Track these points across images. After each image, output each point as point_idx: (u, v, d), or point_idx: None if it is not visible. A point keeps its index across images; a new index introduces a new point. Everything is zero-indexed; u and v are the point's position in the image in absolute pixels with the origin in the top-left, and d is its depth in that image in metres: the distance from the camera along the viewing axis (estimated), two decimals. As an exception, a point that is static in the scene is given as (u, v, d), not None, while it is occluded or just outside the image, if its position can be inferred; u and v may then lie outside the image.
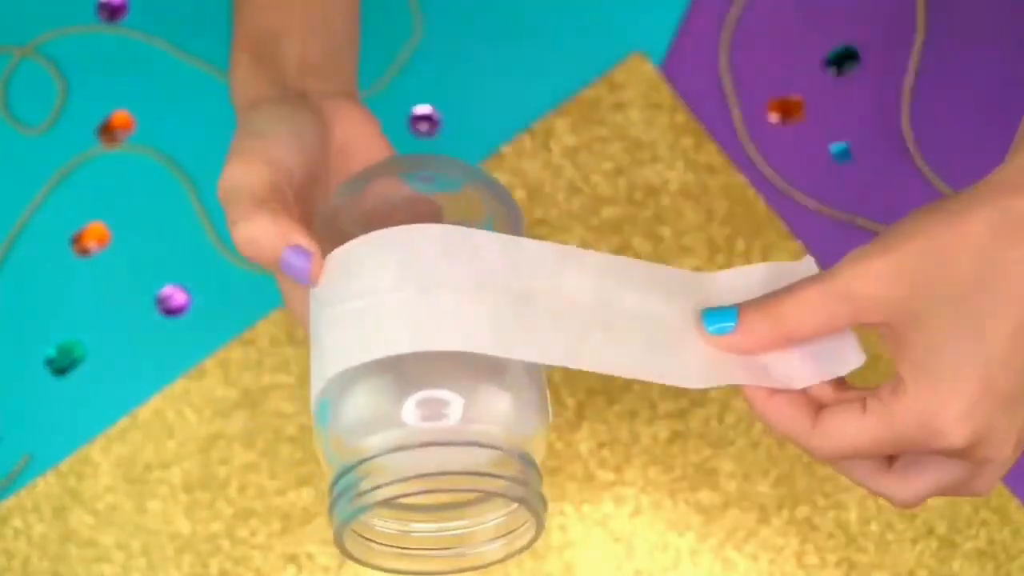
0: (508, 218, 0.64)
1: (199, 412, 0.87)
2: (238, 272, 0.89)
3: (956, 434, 0.59)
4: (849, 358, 0.62)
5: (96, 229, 0.90)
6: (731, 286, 0.65)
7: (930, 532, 0.84)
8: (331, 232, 0.63)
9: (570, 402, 0.86)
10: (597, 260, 0.63)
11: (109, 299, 0.89)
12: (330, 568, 0.85)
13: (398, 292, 0.60)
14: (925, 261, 0.58)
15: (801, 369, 0.62)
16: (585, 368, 0.61)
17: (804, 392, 0.62)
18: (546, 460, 0.86)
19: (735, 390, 0.86)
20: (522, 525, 0.63)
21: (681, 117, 0.90)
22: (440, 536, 0.64)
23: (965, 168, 0.89)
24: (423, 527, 0.63)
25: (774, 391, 0.62)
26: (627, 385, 0.86)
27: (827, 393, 0.62)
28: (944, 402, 0.58)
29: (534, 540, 0.62)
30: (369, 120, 0.69)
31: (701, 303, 0.64)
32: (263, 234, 0.61)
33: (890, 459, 0.64)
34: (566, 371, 0.86)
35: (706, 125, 0.90)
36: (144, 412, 0.87)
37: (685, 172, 0.89)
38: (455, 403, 0.59)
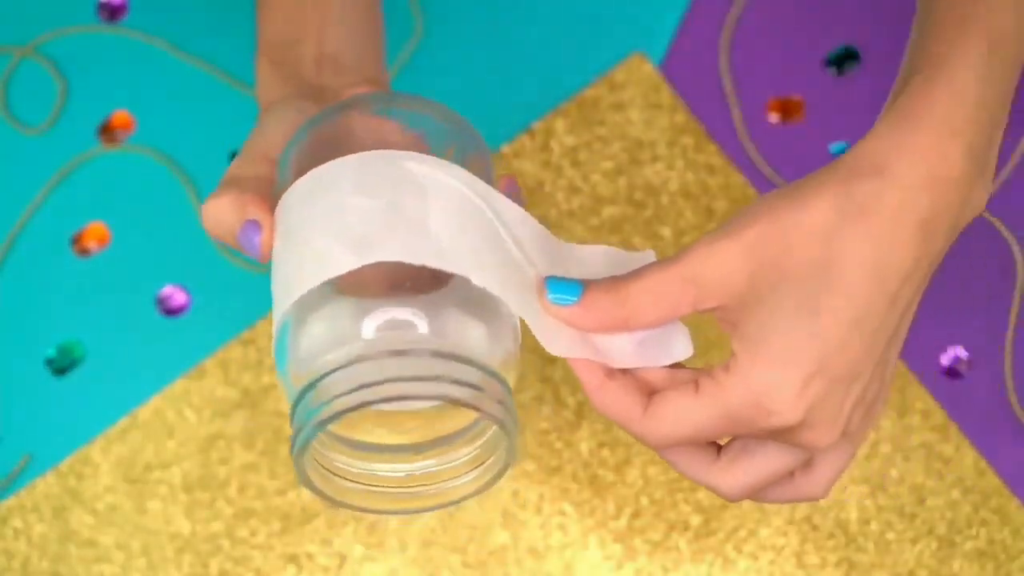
0: (480, 152, 0.63)
1: (199, 412, 0.87)
2: (238, 272, 0.89)
3: (788, 412, 0.58)
4: (677, 349, 0.62)
5: (96, 229, 0.90)
6: (587, 262, 0.63)
7: (930, 532, 0.84)
8: (297, 168, 0.62)
9: (570, 401, 0.86)
10: (501, 206, 0.61)
11: (109, 299, 0.89)
12: (330, 568, 0.85)
13: (342, 213, 0.59)
14: (768, 244, 0.58)
15: (630, 353, 0.61)
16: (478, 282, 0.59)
17: (636, 377, 0.61)
18: (546, 460, 0.86)
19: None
20: (490, 458, 0.60)
21: (681, 117, 0.90)
22: (405, 476, 0.61)
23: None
24: (387, 467, 0.60)
25: (608, 375, 0.61)
26: (627, 385, 0.86)
27: (660, 377, 0.61)
28: (778, 379, 0.58)
29: (505, 470, 0.59)
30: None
31: (558, 271, 0.63)
32: (225, 210, 0.62)
33: (718, 451, 0.63)
34: (567, 370, 0.86)
35: (706, 125, 0.90)
36: (144, 412, 0.87)
37: (685, 172, 0.89)
38: (419, 321, 0.56)
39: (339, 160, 0.60)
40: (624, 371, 0.62)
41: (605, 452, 0.86)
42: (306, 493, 0.86)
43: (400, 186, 0.59)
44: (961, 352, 0.86)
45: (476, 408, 0.56)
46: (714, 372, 0.60)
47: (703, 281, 0.59)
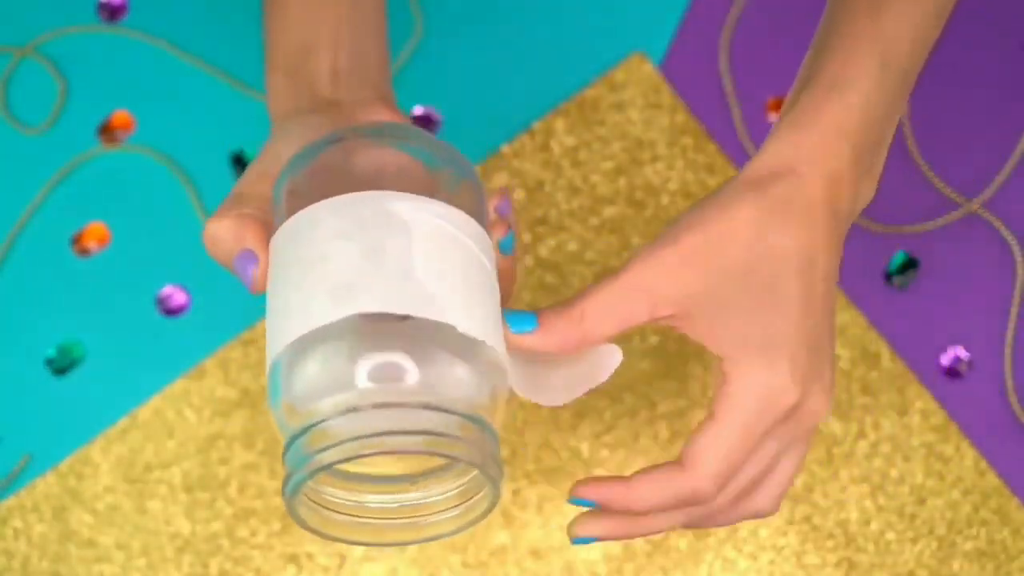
0: (472, 180, 0.64)
1: (199, 412, 0.87)
2: (238, 272, 0.89)
3: (792, 389, 0.62)
4: (610, 360, 0.64)
5: (96, 229, 0.90)
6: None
7: (930, 532, 0.84)
8: (295, 200, 0.63)
9: (570, 402, 0.86)
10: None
11: (109, 299, 0.89)
12: (330, 568, 0.85)
13: (337, 256, 0.60)
14: (706, 250, 0.62)
15: (569, 383, 0.64)
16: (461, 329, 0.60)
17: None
18: (546, 461, 0.86)
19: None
20: (478, 495, 0.61)
21: (681, 117, 0.90)
22: (396, 507, 0.63)
23: (965, 169, 0.89)
24: (378, 498, 0.62)
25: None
26: (627, 385, 0.86)
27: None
28: (773, 367, 0.62)
29: (490, 510, 0.61)
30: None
31: None
32: (224, 234, 0.63)
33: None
34: (566, 371, 0.86)
35: (706, 125, 0.90)
36: (144, 412, 0.87)
37: (685, 172, 0.89)
38: (410, 367, 0.58)
39: (325, 202, 0.61)
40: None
41: (605, 452, 0.86)
42: (306, 493, 0.86)
43: (385, 228, 0.60)
44: (961, 352, 0.86)
45: (460, 460, 0.58)
46: (718, 395, 0.63)
47: (651, 289, 0.63)
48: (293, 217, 0.61)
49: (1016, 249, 0.87)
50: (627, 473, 0.85)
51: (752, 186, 0.64)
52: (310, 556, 0.85)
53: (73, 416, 0.87)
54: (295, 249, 0.61)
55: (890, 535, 0.84)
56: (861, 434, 0.85)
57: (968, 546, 0.84)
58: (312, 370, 0.59)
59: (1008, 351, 0.86)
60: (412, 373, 0.58)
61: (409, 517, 0.63)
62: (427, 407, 0.58)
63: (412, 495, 0.63)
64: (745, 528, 0.84)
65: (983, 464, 0.85)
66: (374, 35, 0.74)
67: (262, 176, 0.66)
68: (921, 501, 0.85)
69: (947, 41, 0.90)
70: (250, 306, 0.88)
